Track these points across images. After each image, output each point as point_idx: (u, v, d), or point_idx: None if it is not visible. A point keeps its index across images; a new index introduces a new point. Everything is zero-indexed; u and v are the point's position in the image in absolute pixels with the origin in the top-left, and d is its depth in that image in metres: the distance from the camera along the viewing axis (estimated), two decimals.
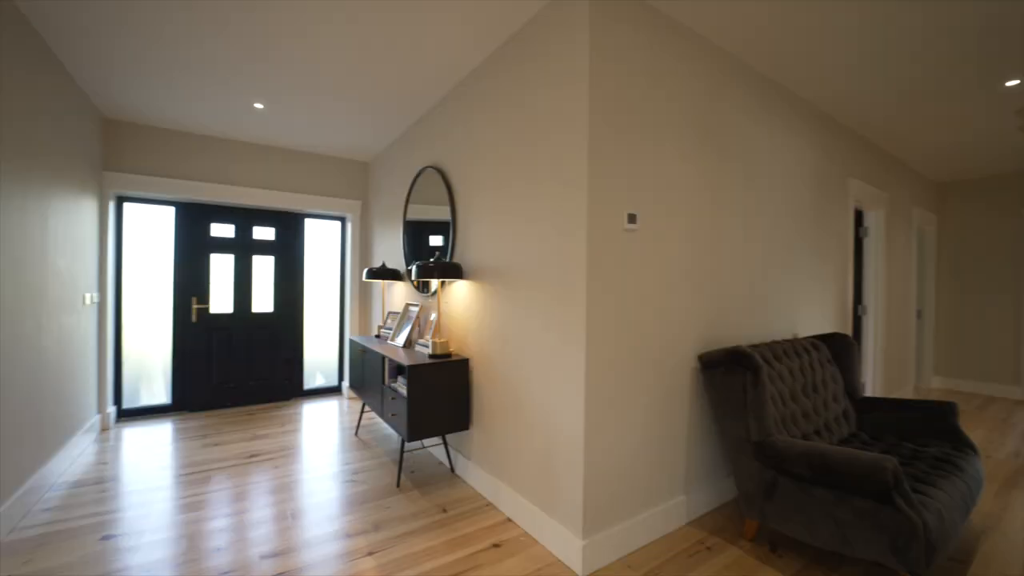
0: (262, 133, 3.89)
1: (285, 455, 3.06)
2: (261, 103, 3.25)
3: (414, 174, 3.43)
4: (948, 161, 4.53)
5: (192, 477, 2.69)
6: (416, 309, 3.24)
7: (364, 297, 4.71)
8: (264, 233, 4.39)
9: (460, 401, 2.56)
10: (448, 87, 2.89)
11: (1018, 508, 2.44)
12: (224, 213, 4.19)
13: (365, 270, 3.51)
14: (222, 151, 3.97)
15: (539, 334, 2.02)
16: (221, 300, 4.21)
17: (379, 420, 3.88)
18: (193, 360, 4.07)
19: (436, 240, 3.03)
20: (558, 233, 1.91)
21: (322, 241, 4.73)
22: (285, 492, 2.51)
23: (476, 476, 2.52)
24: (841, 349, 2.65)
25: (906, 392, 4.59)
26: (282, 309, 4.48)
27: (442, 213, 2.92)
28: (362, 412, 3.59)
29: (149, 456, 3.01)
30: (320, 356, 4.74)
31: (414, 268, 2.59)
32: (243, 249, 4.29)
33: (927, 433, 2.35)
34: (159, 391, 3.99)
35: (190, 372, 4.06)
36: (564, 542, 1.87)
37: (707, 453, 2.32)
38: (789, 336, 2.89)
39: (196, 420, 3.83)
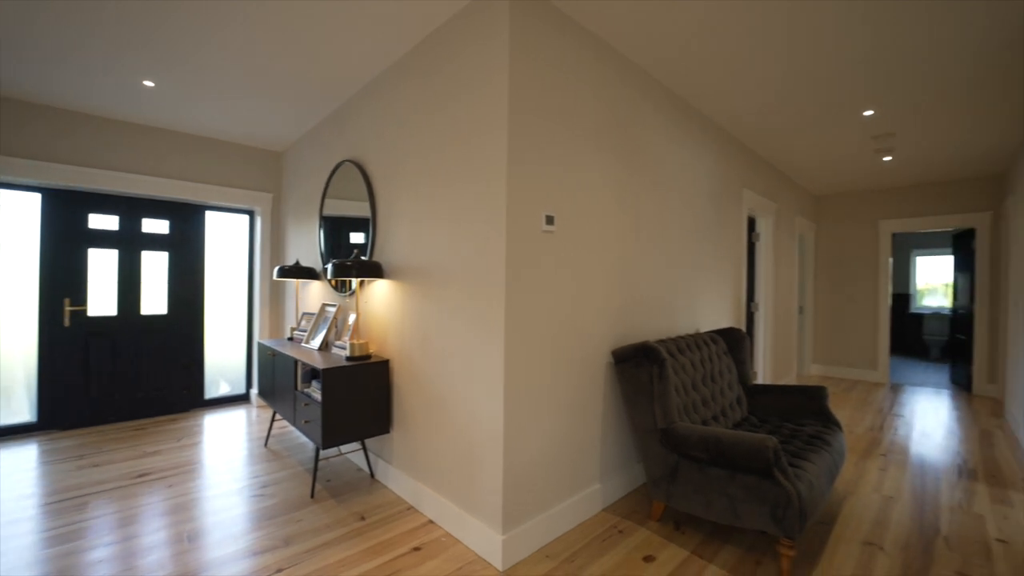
0: (154, 115, 3.49)
1: (182, 472, 2.77)
2: (151, 81, 2.91)
3: (332, 167, 3.27)
4: (823, 177, 5.20)
5: (63, 504, 2.35)
6: (333, 309, 3.10)
7: (276, 297, 4.40)
8: (156, 226, 3.94)
9: (380, 404, 2.48)
10: (367, 79, 2.79)
11: (871, 474, 2.87)
12: (105, 202, 3.69)
13: (276, 268, 3.28)
14: (102, 132, 3.50)
15: (460, 333, 2.02)
16: (102, 301, 3.71)
17: (292, 428, 3.65)
18: (65, 371, 3.54)
19: (357, 237, 2.91)
20: (478, 233, 1.92)
21: (227, 236, 4.34)
22: (181, 513, 2.27)
23: (397, 480, 2.46)
24: (735, 342, 2.94)
25: (790, 379, 5.20)
26: (178, 310, 4.05)
27: (362, 209, 2.81)
28: (272, 421, 3.35)
29: (4, 484, 2.58)
30: (225, 362, 4.35)
31: (331, 267, 2.47)
32: (130, 243, 3.81)
33: (804, 414, 2.69)
34: (20, 407, 3.43)
35: (62, 384, 3.53)
36: (485, 539, 1.89)
37: (620, 442, 2.47)
38: (692, 331, 3.15)
39: (70, 439, 3.34)
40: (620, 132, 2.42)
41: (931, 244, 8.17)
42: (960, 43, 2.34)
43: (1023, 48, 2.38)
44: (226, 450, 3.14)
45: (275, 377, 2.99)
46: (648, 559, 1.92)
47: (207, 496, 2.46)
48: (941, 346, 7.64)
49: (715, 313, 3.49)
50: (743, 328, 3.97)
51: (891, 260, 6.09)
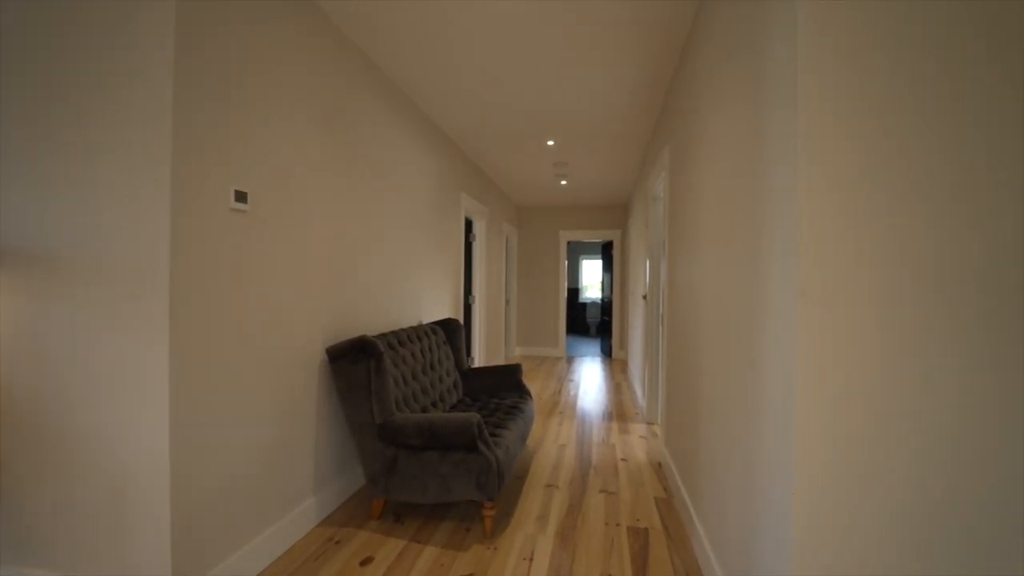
0: None
1: None
2: None
3: None
4: (523, 191, 6.26)
5: None
6: None
7: None
8: None
9: None
10: None
11: (552, 429, 3.58)
12: None
13: None
14: None
15: (97, 342, 1.46)
16: None
17: None
18: None
19: None
20: (123, 203, 1.43)
21: None
22: None
23: None
24: (452, 331, 3.19)
25: (499, 360, 6.05)
26: None
27: None
28: None
29: None
30: None
31: None
32: None
33: (506, 389, 3.13)
34: None
35: None
36: None
37: (337, 446, 2.31)
38: (416, 323, 3.25)
39: None
40: (343, 118, 2.24)
41: (590, 251, 11.02)
42: (611, 101, 3.15)
43: (644, 117, 3.40)
44: None
45: None
46: (366, 562, 1.84)
47: None
48: (596, 325, 10.39)
49: (437, 305, 3.71)
50: (462, 318, 4.37)
51: (567, 262, 7.86)
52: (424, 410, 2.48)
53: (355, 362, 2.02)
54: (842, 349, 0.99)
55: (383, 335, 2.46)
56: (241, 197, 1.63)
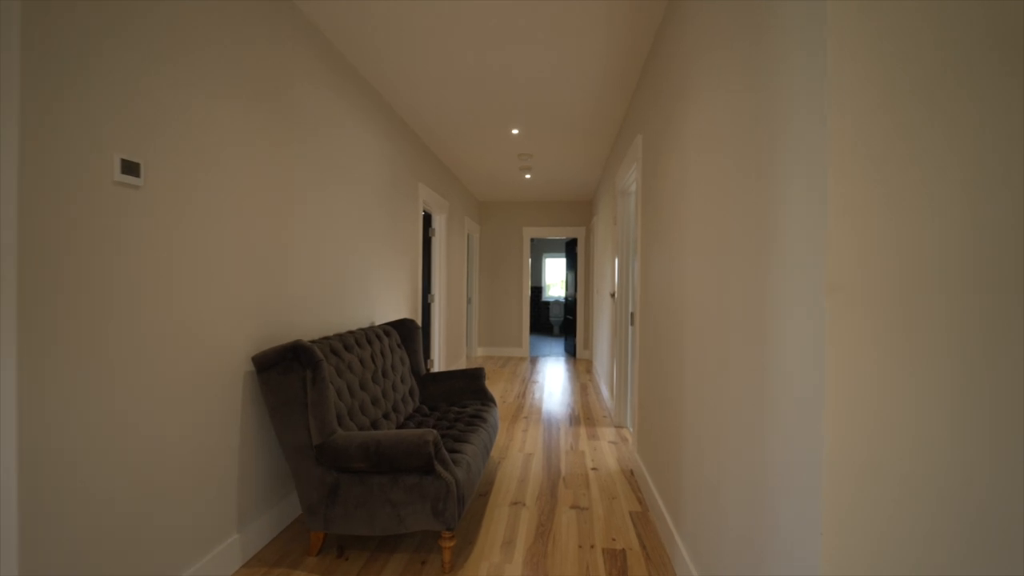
0: None
1: None
2: None
3: None
4: (485, 185, 6.00)
5: None
6: None
7: None
8: None
9: None
10: None
11: (517, 436, 3.35)
12: None
13: None
14: None
15: None
16: None
17: None
18: None
19: None
20: None
21: None
22: None
23: None
24: (408, 333, 2.89)
25: (461, 362, 5.77)
26: None
27: None
28: None
29: None
30: None
31: None
32: None
33: (467, 395, 2.87)
34: None
35: None
36: None
37: (268, 471, 1.98)
38: (368, 324, 2.93)
39: None
40: (276, 86, 1.91)
41: (554, 249, 10.89)
42: (579, 85, 2.94)
43: (613, 105, 3.22)
44: None
45: None
46: None
47: None
48: (560, 324, 10.27)
49: (393, 305, 3.39)
50: (420, 319, 4.06)
51: (530, 260, 7.66)
52: (374, 423, 2.18)
53: (287, 372, 1.71)
54: (878, 348, 0.81)
55: (326, 339, 2.14)
56: (130, 168, 1.29)
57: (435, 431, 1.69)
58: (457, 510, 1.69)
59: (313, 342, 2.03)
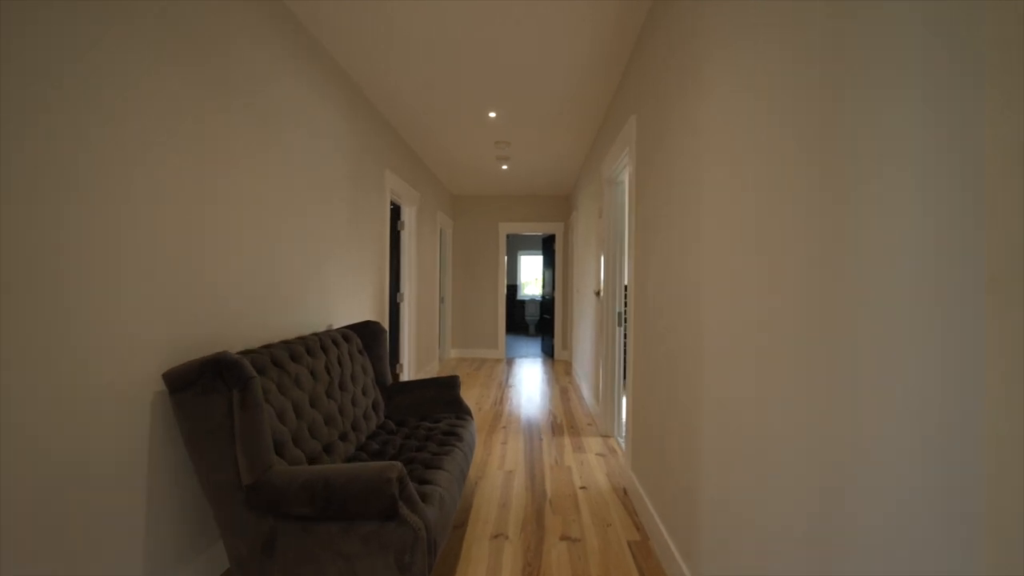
0: None
1: None
2: None
3: None
4: (459, 177, 5.63)
5: None
6: None
7: None
8: None
9: None
10: None
11: (496, 450, 3.03)
12: None
13: None
14: None
15: None
16: None
17: None
18: None
19: None
20: None
21: None
22: None
23: None
24: (372, 337, 2.53)
25: (433, 366, 5.39)
26: None
27: None
28: None
29: None
30: None
31: None
32: None
33: (440, 407, 2.52)
34: None
35: None
36: None
37: (185, 516, 1.59)
38: (324, 328, 2.55)
39: None
40: (211, 50, 1.52)
41: (530, 246, 10.60)
42: (565, 63, 2.63)
43: (592, 104, 2.93)
44: None
45: None
46: None
47: None
48: (536, 324, 9.99)
49: (355, 305, 3.01)
50: (387, 321, 3.68)
51: (506, 257, 7.35)
52: (328, 448, 1.81)
53: (207, 393, 1.33)
54: None
55: (267, 347, 1.76)
56: None
57: (399, 465, 1.35)
58: (427, 562, 1.35)
59: (248, 352, 1.65)
